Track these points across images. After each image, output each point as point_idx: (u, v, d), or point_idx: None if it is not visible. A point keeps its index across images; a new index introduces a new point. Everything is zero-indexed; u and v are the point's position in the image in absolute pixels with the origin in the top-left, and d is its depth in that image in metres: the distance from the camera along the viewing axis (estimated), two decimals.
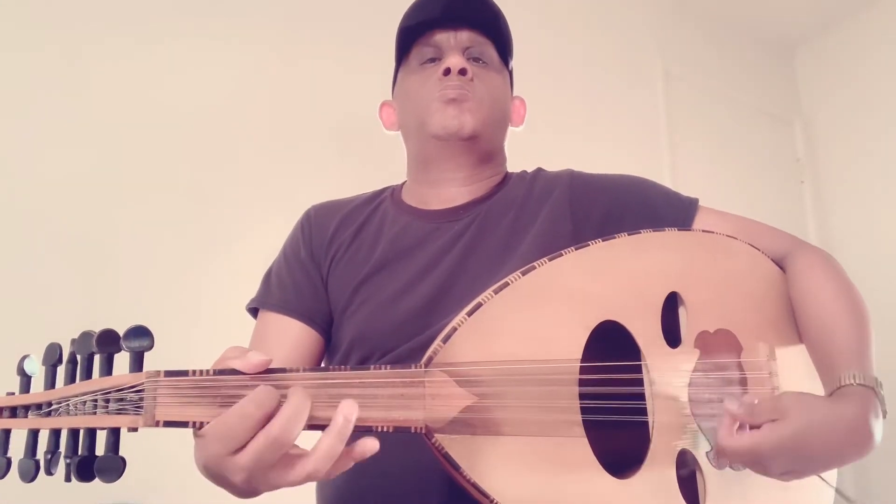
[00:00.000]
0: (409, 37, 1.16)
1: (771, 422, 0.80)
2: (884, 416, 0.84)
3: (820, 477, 0.86)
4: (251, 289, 1.19)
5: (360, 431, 0.72)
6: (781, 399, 0.83)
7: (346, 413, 0.68)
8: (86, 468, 0.65)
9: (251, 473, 0.66)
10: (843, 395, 0.85)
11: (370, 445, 0.70)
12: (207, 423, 0.66)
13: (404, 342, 1.01)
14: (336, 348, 1.11)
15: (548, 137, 2.16)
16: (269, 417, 0.66)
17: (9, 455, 0.70)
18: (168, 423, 0.66)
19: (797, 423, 0.79)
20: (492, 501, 0.75)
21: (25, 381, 0.72)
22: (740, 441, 0.80)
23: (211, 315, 1.84)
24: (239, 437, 0.65)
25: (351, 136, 2.19)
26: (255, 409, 0.65)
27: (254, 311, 1.16)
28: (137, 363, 0.67)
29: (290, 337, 1.10)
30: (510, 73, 1.23)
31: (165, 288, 1.85)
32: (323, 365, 1.14)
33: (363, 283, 1.09)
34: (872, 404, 0.83)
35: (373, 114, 1.26)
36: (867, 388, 0.85)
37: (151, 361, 0.68)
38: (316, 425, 0.69)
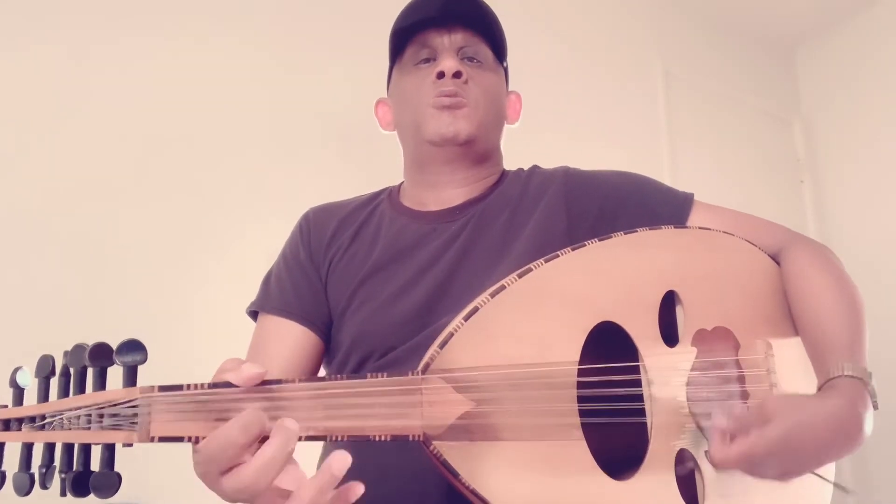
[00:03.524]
0: (404, 37, 1.16)
1: (759, 427, 0.79)
2: (875, 408, 0.84)
3: (817, 475, 0.85)
4: (250, 293, 1.19)
5: (358, 441, 0.71)
6: (767, 403, 0.83)
7: (336, 468, 0.66)
8: (81, 484, 0.65)
9: (238, 499, 0.67)
10: (832, 387, 0.84)
11: (356, 490, 0.69)
12: (203, 437, 0.66)
13: (403, 342, 1.02)
14: (336, 350, 1.11)
15: (548, 137, 2.17)
16: (253, 442, 0.65)
17: (3, 469, 0.70)
18: (163, 439, 0.66)
19: (784, 425, 0.79)
20: None
21: (18, 393, 0.71)
22: (731, 451, 0.80)
23: (210, 318, 1.84)
24: (223, 461, 0.65)
25: (350, 137, 2.19)
26: (238, 434, 0.64)
27: (254, 314, 1.17)
28: (131, 377, 0.67)
29: (290, 340, 1.10)
30: (505, 70, 1.23)
31: (163, 292, 1.86)
32: (323, 367, 1.15)
33: (362, 285, 1.09)
34: (861, 396, 0.83)
35: (372, 116, 1.26)
36: (857, 379, 0.84)
37: (150, 364, 0.68)
38: (315, 437, 0.69)
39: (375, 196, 1.24)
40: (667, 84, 3.13)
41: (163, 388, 0.66)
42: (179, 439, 0.66)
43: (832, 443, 0.80)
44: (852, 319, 0.93)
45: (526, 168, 1.22)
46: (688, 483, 0.87)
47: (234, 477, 0.65)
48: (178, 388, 0.67)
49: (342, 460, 0.67)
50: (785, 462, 0.80)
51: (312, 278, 1.14)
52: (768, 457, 0.79)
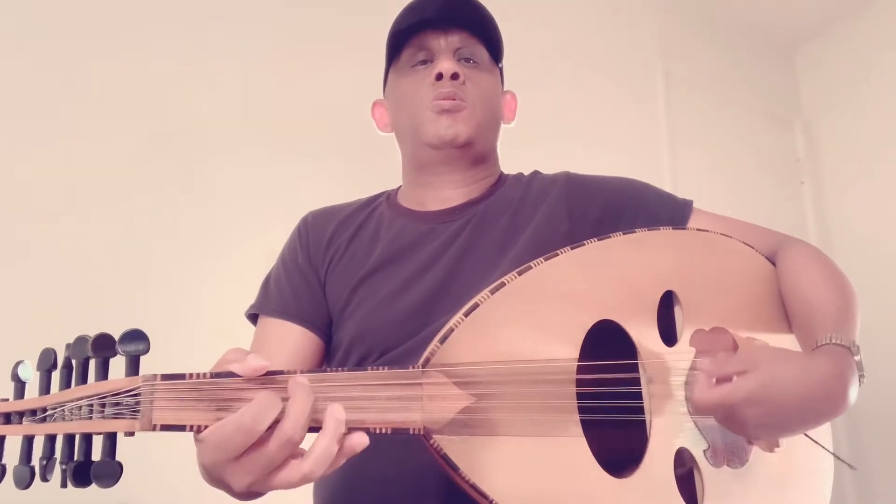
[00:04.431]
0: (401, 38, 1.17)
1: (742, 374, 0.79)
2: (861, 381, 0.83)
3: (808, 436, 0.85)
4: (250, 292, 1.19)
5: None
6: (752, 351, 0.82)
7: (336, 415, 0.68)
8: (82, 474, 0.65)
9: (258, 477, 0.66)
10: (818, 351, 0.84)
11: (359, 440, 0.70)
12: (205, 426, 0.66)
13: (403, 341, 1.02)
14: (336, 349, 1.11)
15: (548, 138, 2.17)
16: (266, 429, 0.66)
17: (3, 462, 0.70)
18: (165, 427, 0.66)
19: (766, 374, 0.78)
20: (490, 502, 0.75)
21: (20, 386, 0.72)
22: (711, 394, 0.79)
23: (210, 318, 1.84)
24: (237, 446, 0.65)
25: (351, 139, 2.19)
26: (251, 420, 0.65)
27: (253, 317, 1.17)
28: (133, 367, 0.67)
29: (290, 341, 1.11)
30: (501, 70, 1.24)
31: (164, 291, 1.86)
32: (323, 367, 1.15)
33: (361, 283, 1.10)
34: (847, 361, 0.82)
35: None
36: (843, 347, 0.84)
37: (151, 365, 0.68)
38: (315, 428, 0.69)
39: (374, 199, 1.25)
40: (667, 84, 3.13)
41: (165, 377, 0.67)
42: (182, 428, 0.66)
43: (813, 403, 0.79)
44: (842, 302, 0.93)
45: (527, 173, 1.23)
46: (687, 482, 0.87)
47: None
48: (181, 376, 0.67)
49: (340, 408, 0.69)
50: (763, 414, 0.78)
51: (311, 280, 1.15)
52: (746, 405, 0.77)
